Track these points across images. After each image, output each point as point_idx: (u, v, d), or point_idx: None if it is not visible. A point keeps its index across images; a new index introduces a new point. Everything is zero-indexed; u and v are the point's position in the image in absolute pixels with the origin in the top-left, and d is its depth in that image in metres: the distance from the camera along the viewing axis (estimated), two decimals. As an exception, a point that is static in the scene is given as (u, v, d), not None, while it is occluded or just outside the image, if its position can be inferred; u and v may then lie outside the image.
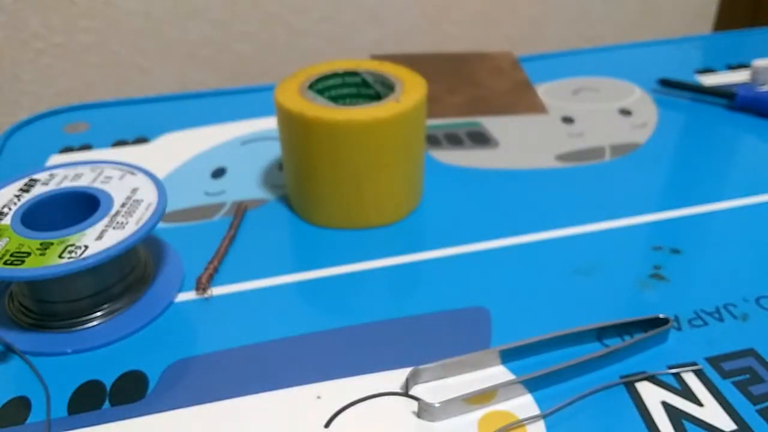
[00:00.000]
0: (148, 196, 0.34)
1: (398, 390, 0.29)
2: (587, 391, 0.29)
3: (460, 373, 0.30)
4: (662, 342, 0.32)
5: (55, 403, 0.29)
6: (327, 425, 0.28)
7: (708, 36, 0.70)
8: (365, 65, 0.42)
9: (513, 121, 0.53)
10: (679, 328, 0.32)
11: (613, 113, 0.54)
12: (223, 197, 0.43)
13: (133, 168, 0.37)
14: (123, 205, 0.33)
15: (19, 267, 0.29)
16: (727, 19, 0.82)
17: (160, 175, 0.46)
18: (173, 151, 0.49)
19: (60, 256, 0.30)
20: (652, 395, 0.29)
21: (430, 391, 0.29)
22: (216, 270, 0.36)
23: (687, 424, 0.27)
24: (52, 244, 0.30)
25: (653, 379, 0.30)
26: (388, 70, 0.42)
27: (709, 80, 0.60)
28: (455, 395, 0.28)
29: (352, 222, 0.40)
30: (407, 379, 0.29)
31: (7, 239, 0.31)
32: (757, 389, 0.29)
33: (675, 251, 0.38)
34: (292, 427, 0.27)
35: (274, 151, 0.49)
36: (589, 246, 0.38)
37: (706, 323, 0.33)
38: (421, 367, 0.29)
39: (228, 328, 0.33)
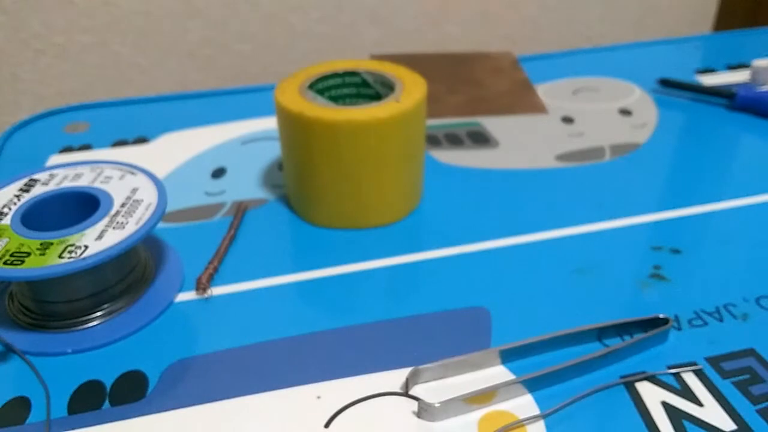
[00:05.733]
0: (148, 196, 0.34)
1: (398, 390, 0.29)
2: (587, 391, 0.29)
3: (460, 373, 0.30)
4: (662, 342, 0.32)
5: (55, 403, 0.29)
6: (327, 425, 0.28)
7: (708, 36, 0.70)
8: (365, 65, 0.42)
9: (513, 121, 0.53)
10: (679, 328, 0.32)
11: (613, 113, 0.54)
12: (223, 197, 0.43)
13: (133, 168, 0.37)
14: (123, 205, 0.33)
15: (19, 267, 0.29)
16: (727, 19, 0.82)
17: (160, 175, 0.46)
18: (173, 151, 0.49)
19: (60, 256, 0.30)
20: (652, 395, 0.29)
21: (430, 391, 0.29)
22: (216, 270, 0.36)
23: (687, 424, 0.27)
24: (52, 244, 0.30)
25: (653, 379, 0.30)
26: (388, 70, 0.42)
27: (709, 80, 0.60)
28: (455, 395, 0.28)
29: (352, 222, 0.40)
30: (407, 379, 0.29)
31: (7, 239, 0.31)
32: (757, 389, 0.29)
33: (675, 251, 0.38)
34: (292, 427, 0.27)
35: (274, 151, 0.49)
36: (589, 246, 0.38)
37: (706, 323, 0.33)
38: (421, 367, 0.29)
39: (228, 328, 0.33)
